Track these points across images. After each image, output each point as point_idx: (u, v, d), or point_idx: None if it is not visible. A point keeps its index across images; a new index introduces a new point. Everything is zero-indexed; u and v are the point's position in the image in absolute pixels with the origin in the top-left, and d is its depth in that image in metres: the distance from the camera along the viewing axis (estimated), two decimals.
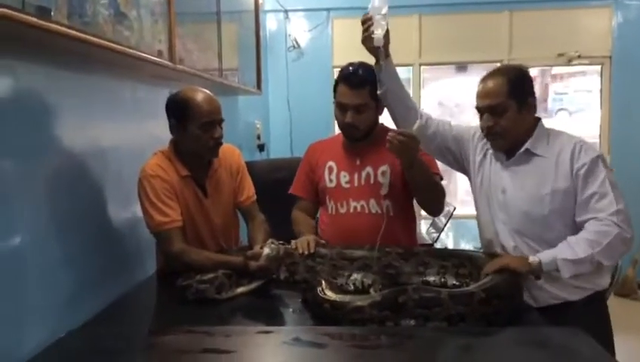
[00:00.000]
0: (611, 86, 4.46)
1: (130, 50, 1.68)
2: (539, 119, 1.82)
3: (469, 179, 1.97)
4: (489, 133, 1.78)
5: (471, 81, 5.08)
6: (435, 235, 3.26)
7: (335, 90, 2.01)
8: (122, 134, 1.99)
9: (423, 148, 1.98)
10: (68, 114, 1.62)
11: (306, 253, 1.84)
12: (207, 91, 1.88)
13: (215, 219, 1.94)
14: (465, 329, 1.38)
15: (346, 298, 1.46)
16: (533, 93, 1.79)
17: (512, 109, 1.73)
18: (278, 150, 4.43)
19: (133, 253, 2.02)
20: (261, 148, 4.08)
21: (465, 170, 1.98)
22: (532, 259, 1.59)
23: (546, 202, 1.71)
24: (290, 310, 1.61)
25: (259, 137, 4.10)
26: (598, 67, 4.59)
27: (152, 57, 1.86)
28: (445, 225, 3.35)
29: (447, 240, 4.27)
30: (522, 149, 1.77)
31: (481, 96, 1.79)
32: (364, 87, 1.93)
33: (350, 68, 1.98)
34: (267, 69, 4.41)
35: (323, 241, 1.94)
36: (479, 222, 1.94)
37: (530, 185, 1.75)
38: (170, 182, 1.83)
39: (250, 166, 3.40)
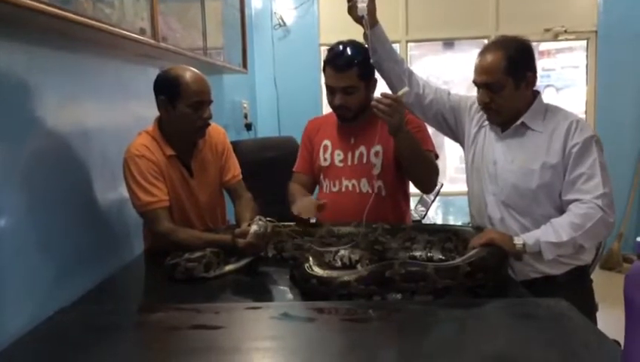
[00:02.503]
0: (597, 61, 4.48)
1: (111, 28, 1.66)
2: (538, 93, 1.82)
3: (463, 149, 1.98)
4: (485, 108, 1.79)
5: (458, 58, 5.10)
6: (423, 212, 3.29)
7: (324, 72, 2.00)
8: (106, 114, 1.97)
9: (419, 117, 1.98)
10: (50, 93, 1.60)
11: (309, 216, 1.84)
12: (198, 71, 1.86)
13: (201, 198, 1.94)
14: (451, 301, 1.39)
15: (333, 273, 1.48)
16: (532, 68, 1.77)
17: (509, 86, 1.73)
18: (266, 129, 4.41)
19: (120, 233, 2.01)
20: (248, 127, 4.06)
21: (459, 141, 1.99)
22: (516, 241, 1.60)
23: (535, 176, 1.72)
24: (279, 286, 1.62)
25: (246, 116, 4.08)
26: (585, 43, 4.60)
27: (134, 35, 1.84)
28: (433, 201, 3.38)
29: (437, 218, 4.32)
30: (518, 122, 1.78)
31: (478, 71, 1.78)
32: (350, 68, 1.92)
33: (336, 49, 1.96)
34: (253, 47, 4.37)
35: (323, 201, 1.92)
36: (469, 194, 1.95)
37: (521, 159, 1.76)
38: (156, 161, 1.82)
39: (237, 145, 3.40)
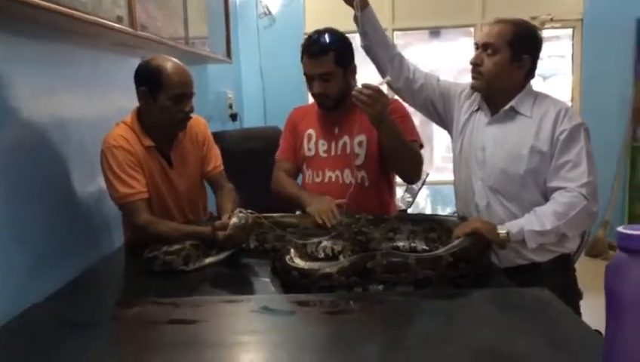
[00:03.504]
0: (582, 49, 4.47)
1: (86, 16, 1.61)
2: (529, 81, 1.81)
3: (450, 135, 1.96)
4: (473, 69, 1.78)
5: (445, 47, 5.06)
6: (410, 200, 3.28)
7: (301, 60, 1.97)
8: (84, 104, 1.93)
9: (408, 102, 1.96)
10: (24, 83, 1.55)
11: (334, 222, 1.75)
12: (180, 63, 1.82)
13: (181, 189, 1.91)
14: (433, 292, 1.38)
15: (314, 265, 1.45)
16: (533, 55, 1.77)
17: (503, 55, 1.73)
18: (252, 120, 4.37)
19: (100, 226, 1.98)
20: (233, 117, 4.02)
21: (447, 128, 1.98)
22: (500, 229, 1.59)
23: (523, 161, 1.71)
24: (260, 279, 1.60)
25: (231, 107, 4.03)
26: (570, 31, 4.59)
27: (111, 23, 1.79)
28: (419, 190, 3.37)
29: (426, 207, 4.31)
30: (507, 107, 1.77)
31: (484, 31, 1.80)
32: (326, 54, 1.89)
33: (312, 37, 1.93)
34: (238, 37, 4.32)
35: (344, 201, 1.86)
36: (456, 182, 1.94)
37: (510, 144, 1.75)
38: (134, 152, 1.79)
39: (221, 136, 3.38)
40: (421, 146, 2.01)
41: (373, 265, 1.40)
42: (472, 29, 4.60)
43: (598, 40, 4.38)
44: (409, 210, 3.15)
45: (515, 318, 1.23)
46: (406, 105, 2.05)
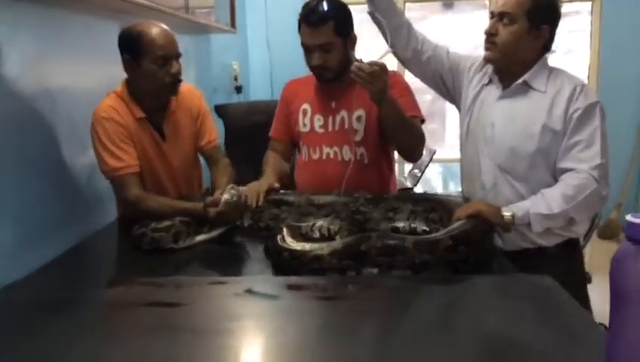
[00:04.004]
0: (601, 24, 4.30)
1: None
2: (544, 55, 1.71)
3: (459, 110, 1.88)
4: (487, 39, 1.68)
5: (458, 19, 4.91)
6: (418, 176, 3.19)
7: (299, 31, 1.87)
8: (74, 73, 1.85)
9: (415, 74, 1.88)
10: (11, 50, 1.48)
11: (254, 205, 1.73)
12: (163, 25, 1.75)
13: (174, 163, 1.84)
14: (429, 277, 1.31)
15: (306, 246, 1.38)
16: (551, 25, 1.66)
17: (520, 25, 1.62)
18: (259, 92, 4.28)
19: (91, 200, 1.92)
20: (238, 90, 3.93)
21: (455, 101, 1.89)
22: (505, 212, 1.50)
23: (534, 139, 1.62)
24: (251, 259, 1.54)
25: (236, 79, 3.94)
26: (590, 5, 4.41)
27: None
28: (426, 167, 3.27)
29: (437, 186, 4.20)
30: (520, 80, 1.67)
31: (501, 1, 1.68)
32: (325, 23, 1.79)
33: (310, 5, 1.83)
34: (245, 6, 4.20)
35: (277, 186, 1.83)
36: (462, 160, 1.86)
37: (521, 120, 1.66)
38: (125, 124, 1.72)
39: (226, 109, 3.31)
40: (422, 121, 1.92)
41: (367, 247, 1.33)
42: (486, 1, 4.44)
43: (618, 14, 4.20)
44: (415, 188, 3.07)
45: (516, 306, 1.16)
46: (411, 77, 1.96)
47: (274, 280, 1.32)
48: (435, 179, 4.47)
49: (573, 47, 4.96)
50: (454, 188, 4.07)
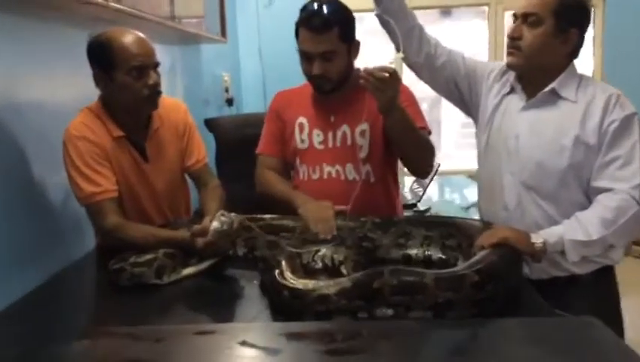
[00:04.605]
0: (604, 30, 4.16)
1: None
2: (572, 61, 1.54)
3: (475, 123, 1.70)
4: (510, 43, 1.51)
5: (456, 27, 4.76)
6: (420, 192, 3.00)
7: (297, 36, 1.69)
8: (46, 87, 1.66)
9: (426, 81, 1.72)
10: None
11: (329, 236, 1.48)
12: (137, 32, 1.56)
13: (158, 186, 1.65)
14: (453, 319, 1.12)
15: (309, 284, 1.19)
16: (581, 28, 1.51)
17: (547, 27, 1.46)
18: (251, 105, 4.09)
19: (66, 227, 1.72)
20: (230, 102, 3.74)
21: (471, 112, 1.71)
22: (535, 239, 1.32)
23: (565, 154, 1.45)
24: (245, 296, 1.35)
25: (227, 90, 3.76)
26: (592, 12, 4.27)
27: None
28: (430, 181, 3.09)
29: (433, 193, 4.01)
30: (547, 89, 1.50)
31: (524, 2, 1.52)
32: (330, 29, 1.62)
33: (310, 7, 1.65)
34: (235, 15, 4.03)
35: (341, 207, 1.59)
36: (481, 178, 1.68)
37: (549, 132, 1.48)
38: (100, 144, 1.53)
39: (216, 122, 3.12)
40: (429, 133, 1.75)
41: (380, 284, 1.14)
42: (486, 8, 4.29)
43: (621, 19, 4.06)
44: (419, 205, 2.88)
45: (558, 357, 0.97)
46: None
47: (272, 328, 1.13)
48: (431, 187, 4.31)
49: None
50: (449, 196, 3.90)
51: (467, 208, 2.94)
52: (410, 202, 2.92)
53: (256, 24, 4.16)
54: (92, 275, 1.59)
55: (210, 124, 3.03)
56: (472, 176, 3.78)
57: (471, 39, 4.40)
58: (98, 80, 1.54)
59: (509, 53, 1.52)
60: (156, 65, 1.56)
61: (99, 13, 1.78)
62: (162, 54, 2.72)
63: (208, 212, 1.59)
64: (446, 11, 4.72)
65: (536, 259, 1.33)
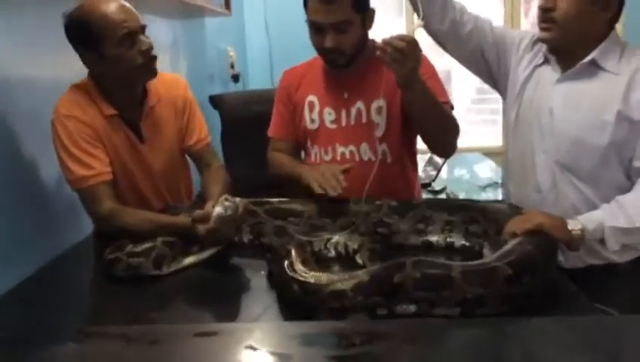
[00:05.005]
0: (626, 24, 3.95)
1: None
2: (613, 28, 1.39)
3: (503, 97, 1.57)
4: (543, 15, 1.37)
5: (469, 2, 4.57)
6: (434, 173, 2.87)
7: (305, 5, 1.54)
8: (38, 63, 1.53)
9: (450, 52, 1.59)
10: None
11: (336, 192, 1.37)
12: None
13: (156, 168, 1.53)
14: (484, 317, 1.00)
15: (322, 278, 1.07)
16: None
17: None
18: (258, 81, 3.94)
19: (62, 210, 1.60)
20: (235, 78, 3.60)
21: (499, 85, 1.57)
22: (572, 225, 1.19)
23: (607, 130, 1.31)
24: (251, 289, 1.23)
25: (233, 66, 3.61)
26: None
27: None
28: (444, 161, 2.95)
29: (443, 177, 3.86)
30: (587, 59, 1.36)
31: None
32: None
33: None
34: None
35: (349, 166, 1.47)
36: (509, 155, 1.55)
37: (588, 106, 1.34)
38: (91, 123, 1.41)
39: (222, 99, 2.99)
40: (451, 108, 1.61)
41: (402, 278, 1.01)
42: None
43: None
44: (434, 185, 2.74)
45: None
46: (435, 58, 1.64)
47: (281, 329, 1.01)
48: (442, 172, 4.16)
49: None
50: (458, 173, 3.75)
51: (484, 187, 2.80)
52: (423, 181, 2.79)
53: None
54: (88, 264, 1.47)
55: (215, 100, 2.92)
56: (487, 153, 3.64)
57: (485, 13, 4.22)
58: (86, 60, 1.41)
59: (543, 28, 1.38)
60: (143, 28, 1.41)
61: None
62: (163, 29, 2.63)
63: (211, 196, 1.47)
64: None
65: (573, 247, 1.20)
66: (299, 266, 1.13)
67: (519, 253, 1.06)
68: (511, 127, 1.50)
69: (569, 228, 1.18)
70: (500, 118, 4.25)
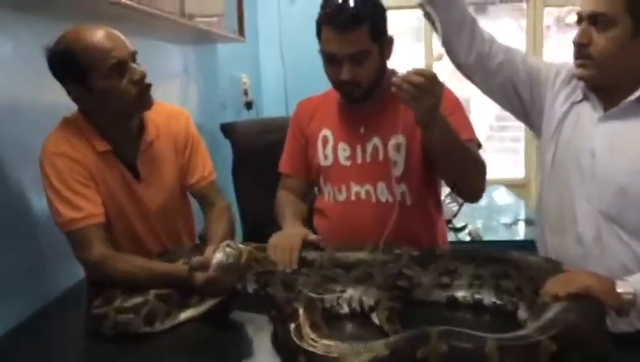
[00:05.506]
0: None
1: None
2: None
3: (537, 134, 1.42)
4: (578, 52, 1.24)
5: (492, 26, 4.46)
6: (455, 208, 2.71)
7: (318, 35, 1.42)
8: (30, 90, 1.43)
9: (477, 85, 1.46)
10: None
11: (288, 270, 1.28)
12: (97, 26, 1.29)
13: (152, 208, 1.40)
14: None
15: (332, 348, 0.92)
16: None
17: (622, 27, 1.19)
18: (272, 109, 3.84)
19: (54, 253, 1.47)
20: (249, 105, 3.50)
21: (533, 123, 1.43)
22: (623, 288, 1.03)
23: None
24: (254, 354, 1.09)
25: (246, 93, 3.51)
26: None
27: None
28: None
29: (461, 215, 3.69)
30: (633, 97, 1.21)
31: None
32: (359, 25, 1.35)
33: (334, 1, 1.38)
34: (256, 11, 3.79)
35: (314, 237, 1.36)
36: (545, 200, 1.39)
37: (635, 150, 1.20)
38: (82, 161, 1.29)
39: (234, 127, 2.87)
40: (479, 146, 1.47)
41: (426, 353, 0.86)
42: (524, 5, 3.98)
43: None
44: (454, 222, 2.59)
45: None
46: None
47: None
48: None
49: None
50: (477, 207, 3.56)
51: (510, 225, 2.64)
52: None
53: (277, 21, 3.90)
54: (76, 316, 1.32)
55: (226, 129, 2.81)
56: (509, 185, 3.47)
57: (507, 38, 4.11)
58: (74, 96, 1.30)
59: (579, 65, 1.24)
60: (134, 55, 1.30)
61: (99, 8, 1.54)
62: (175, 55, 2.54)
63: (212, 238, 1.34)
64: (481, 7, 4.43)
65: (623, 313, 1.04)
66: (307, 331, 0.99)
67: (565, 324, 0.91)
68: (547, 170, 1.35)
69: (618, 290, 1.02)
70: (521, 146, 4.11)
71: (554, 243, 1.33)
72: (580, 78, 1.27)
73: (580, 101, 1.30)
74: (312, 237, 1.35)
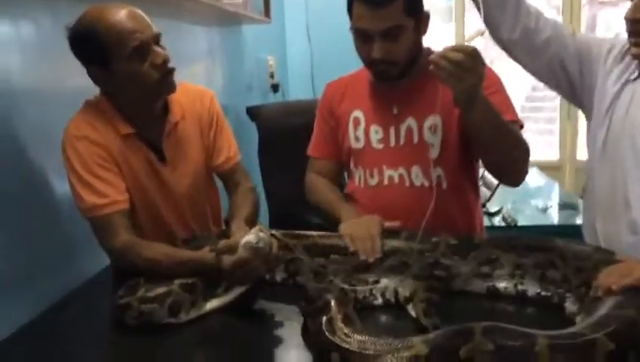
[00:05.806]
0: None
1: None
2: None
3: (587, 115, 1.34)
4: (633, 28, 1.15)
5: None
6: (488, 193, 2.61)
7: (349, 11, 1.35)
8: (51, 72, 1.39)
9: (522, 62, 1.38)
10: None
11: (371, 259, 1.20)
12: (120, 4, 1.24)
13: (179, 191, 1.35)
14: None
15: (368, 344, 0.86)
16: None
17: None
18: (298, 91, 3.77)
19: (79, 239, 1.44)
20: (275, 88, 3.44)
21: (582, 103, 1.35)
22: None
23: None
24: (283, 347, 1.04)
25: (272, 76, 3.45)
26: None
27: None
28: (498, 185, 2.69)
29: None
30: None
31: None
32: (393, 0, 1.27)
33: None
34: None
35: (391, 224, 1.29)
36: (596, 184, 1.31)
37: None
38: (105, 144, 1.25)
39: (259, 110, 2.82)
40: (520, 127, 1.38)
41: (470, 351, 0.80)
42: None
43: None
44: (488, 206, 2.49)
45: None
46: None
47: None
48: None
49: None
50: (511, 191, 3.44)
51: (545, 210, 2.53)
52: None
53: (304, 1, 3.82)
54: (100, 305, 1.29)
55: (252, 112, 2.77)
56: (543, 168, 3.35)
57: None
58: (95, 78, 1.25)
59: (634, 43, 1.15)
60: (157, 37, 1.24)
61: None
62: (200, 37, 2.49)
63: (236, 218, 1.30)
64: None
65: None
66: (339, 325, 0.92)
67: (622, 321, 0.83)
68: (598, 152, 1.26)
69: None
70: (556, 127, 3.96)
71: (605, 231, 1.25)
72: (633, 56, 1.18)
73: (636, 79, 1.20)
74: (389, 224, 1.28)
